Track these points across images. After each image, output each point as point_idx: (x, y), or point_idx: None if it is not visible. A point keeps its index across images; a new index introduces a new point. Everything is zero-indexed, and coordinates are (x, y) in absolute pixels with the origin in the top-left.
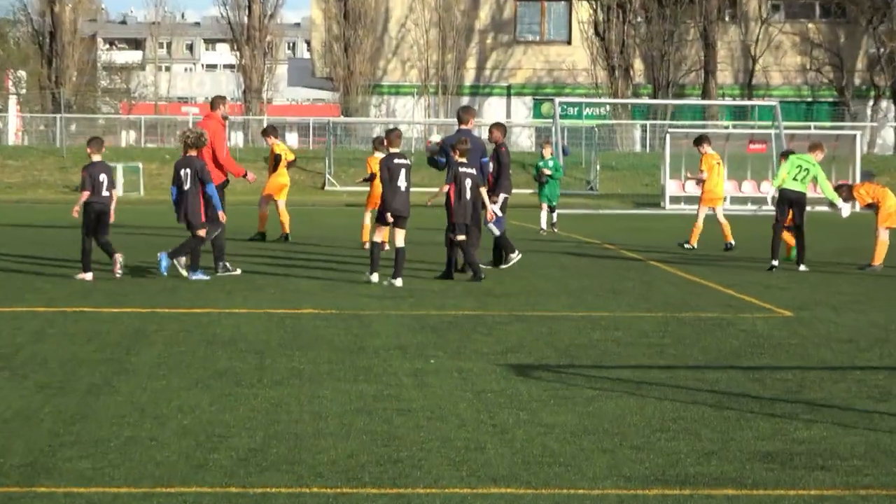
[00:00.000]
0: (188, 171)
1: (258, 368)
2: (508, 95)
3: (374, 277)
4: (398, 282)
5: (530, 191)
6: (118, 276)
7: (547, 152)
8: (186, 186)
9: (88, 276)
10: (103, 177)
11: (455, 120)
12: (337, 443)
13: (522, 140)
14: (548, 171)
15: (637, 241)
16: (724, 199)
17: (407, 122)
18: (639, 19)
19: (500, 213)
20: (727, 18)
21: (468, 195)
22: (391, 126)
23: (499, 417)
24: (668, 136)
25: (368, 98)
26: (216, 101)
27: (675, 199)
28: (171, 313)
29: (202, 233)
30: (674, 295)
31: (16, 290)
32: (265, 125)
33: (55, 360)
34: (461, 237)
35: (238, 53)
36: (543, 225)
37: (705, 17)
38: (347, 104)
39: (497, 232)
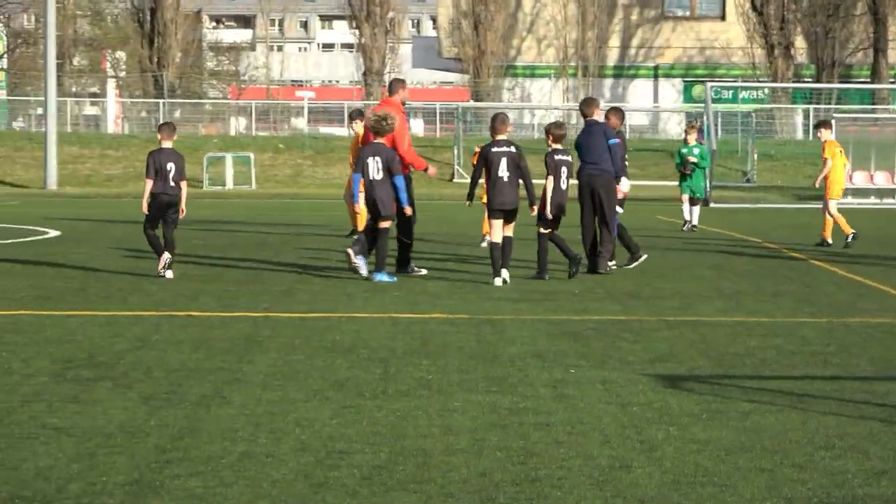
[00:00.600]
0: (378, 159)
1: (382, 378)
2: (655, 77)
3: (497, 281)
4: (504, 274)
5: (675, 183)
6: (161, 274)
7: (692, 138)
8: (377, 176)
9: (165, 255)
10: (171, 165)
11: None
12: (469, 460)
13: (671, 126)
14: (693, 159)
15: (799, 239)
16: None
17: (544, 108)
18: None
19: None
20: None
21: (563, 185)
22: (530, 112)
23: (646, 433)
24: (833, 123)
25: (501, 80)
26: (395, 85)
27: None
28: (286, 318)
29: (387, 224)
30: (839, 298)
31: (118, 291)
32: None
33: (161, 369)
34: (544, 231)
35: (357, 32)
36: (687, 217)
37: None
38: (478, 87)
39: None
